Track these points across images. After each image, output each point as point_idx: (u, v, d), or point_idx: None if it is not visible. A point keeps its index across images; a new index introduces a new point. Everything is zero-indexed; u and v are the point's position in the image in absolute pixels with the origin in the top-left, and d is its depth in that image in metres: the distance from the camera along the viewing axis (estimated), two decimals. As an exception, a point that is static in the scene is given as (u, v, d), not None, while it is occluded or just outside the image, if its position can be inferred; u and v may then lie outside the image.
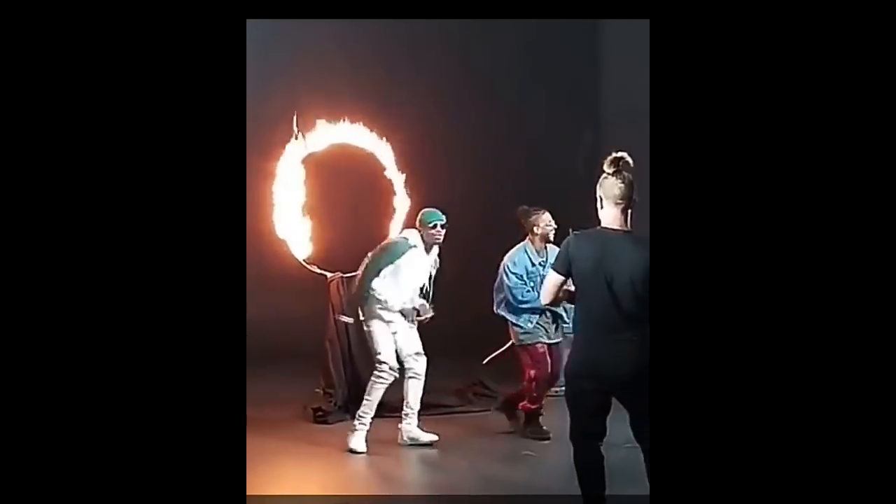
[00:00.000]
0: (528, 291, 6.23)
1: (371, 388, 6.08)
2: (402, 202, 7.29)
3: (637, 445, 3.87)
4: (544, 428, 6.36)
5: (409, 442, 6.17)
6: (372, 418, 6.08)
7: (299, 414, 7.08)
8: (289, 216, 7.29)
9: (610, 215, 3.80)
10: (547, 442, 6.24)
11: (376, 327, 6.09)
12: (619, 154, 3.78)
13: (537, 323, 6.30)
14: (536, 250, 6.34)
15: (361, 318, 6.18)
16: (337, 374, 7.12)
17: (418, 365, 6.14)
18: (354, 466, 5.88)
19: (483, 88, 10.29)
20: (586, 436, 3.92)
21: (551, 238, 6.31)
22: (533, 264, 6.32)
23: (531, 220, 6.33)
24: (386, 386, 6.06)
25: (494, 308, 6.40)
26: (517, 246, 6.39)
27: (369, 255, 6.17)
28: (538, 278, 6.15)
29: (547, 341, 6.35)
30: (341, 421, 6.86)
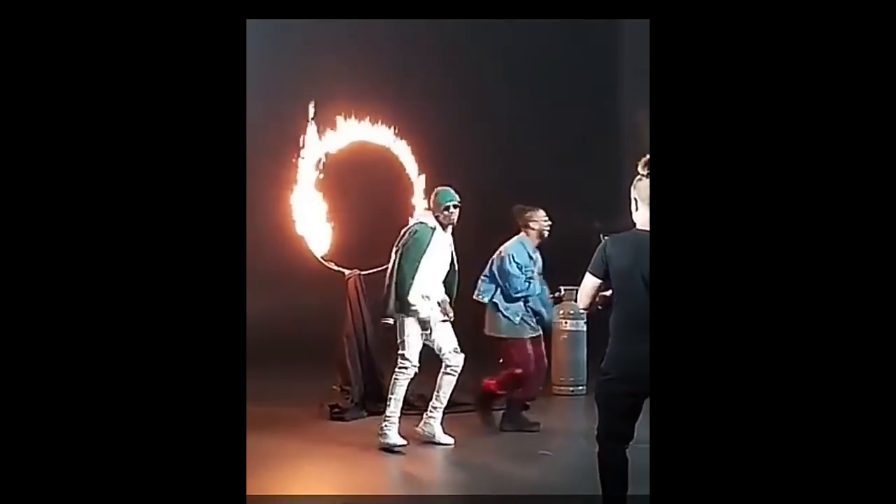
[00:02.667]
0: (524, 282, 6.44)
1: (395, 385, 6.03)
2: (419, 199, 7.31)
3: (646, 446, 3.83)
4: (530, 420, 6.65)
5: (426, 437, 6.18)
6: (399, 415, 6.07)
7: (316, 411, 7.11)
8: (307, 214, 7.34)
9: (645, 217, 3.74)
10: (536, 432, 6.55)
11: (410, 323, 6.00)
12: None
13: (522, 317, 6.49)
14: (532, 246, 6.55)
15: (397, 314, 6.02)
16: (354, 371, 7.15)
17: (456, 360, 6.10)
18: (372, 464, 5.88)
19: (500, 86, 10.35)
20: (614, 438, 3.89)
21: (546, 235, 6.54)
22: (530, 258, 6.53)
23: (527, 216, 6.54)
24: (409, 381, 6.04)
25: (477, 294, 6.52)
26: (513, 239, 6.58)
27: (397, 249, 6.05)
28: (531, 272, 6.48)
29: (530, 336, 6.55)
30: (358, 418, 6.94)
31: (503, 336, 6.52)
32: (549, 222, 6.53)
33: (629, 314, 3.75)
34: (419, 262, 5.97)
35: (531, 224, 6.52)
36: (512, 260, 6.44)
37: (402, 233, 6.14)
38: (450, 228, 6.14)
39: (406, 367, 6.00)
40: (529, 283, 6.47)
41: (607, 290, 3.86)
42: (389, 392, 6.07)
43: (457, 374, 6.12)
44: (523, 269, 6.45)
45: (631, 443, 3.89)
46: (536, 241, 6.56)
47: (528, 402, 6.74)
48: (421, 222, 6.14)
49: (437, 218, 6.09)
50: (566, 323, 7.89)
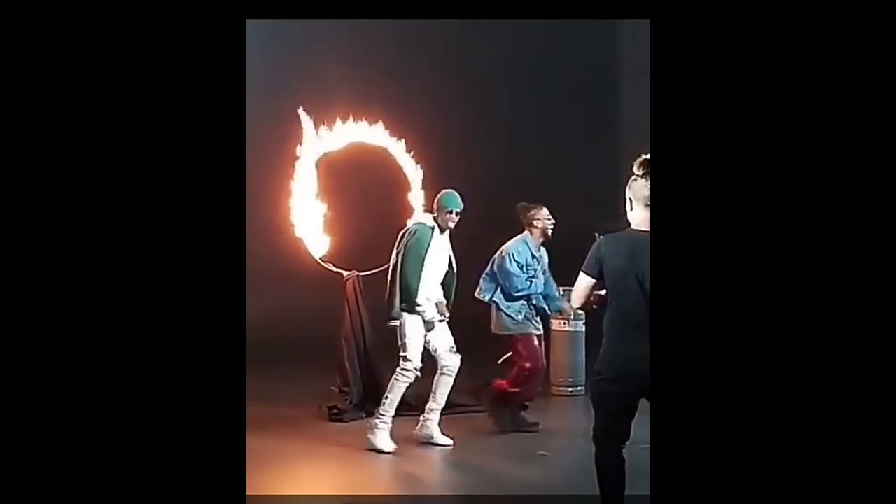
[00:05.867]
0: (525, 282, 6.48)
1: (393, 386, 6.03)
2: (417, 200, 7.32)
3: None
4: (529, 420, 6.65)
5: (424, 438, 6.18)
6: (393, 416, 6.06)
7: (314, 412, 7.11)
8: (305, 215, 7.34)
9: (639, 217, 3.79)
10: (535, 433, 6.57)
11: (410, 324, 6.00)
12: (649, 156, 3.63)
13: (525, 315, 6.53)
14: (536, 245, 6.58)
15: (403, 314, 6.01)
16: (352, 372, 7.15)
17: (452, 361, 6.10)
18: (370, 465, 5.88)
19: (499, 86, 10.39)
20: (610, 438, 3.91)
21: (549, 233, 6.58)
22: (533, 257, 6.57)
23: (531, 214, 6.58)
24: (409, 385, 6.04)
25: (479, 293, 6.57)
26: (516, 238, 6.61)
27: (398, 251, 6.03)
28: (533, 271, 6.53)
29: (536, 332, 6.60)
30: (357, 419, 6.92)
31: (511, 332, 6.54)
32: (552, 220, 6.56)
33: (623, 314, 3.76)
34: (423, 262, 5.98)
35: (534, 222, 6.55)
36: (512, 259, 6.47)
37: (401, 234, 6.14)
38: (447, 232, 6.14)
39: (408, 370, 5.98)
40: (531, 281, 6.50)
41: (601, 289, 3.87)
42: (387, 392, 6.06)
43: (454, 375, 6.12)
44: (525, 268, 6.48)
45: (627, 443, 3.90)
46: (540, 240, 6.59)
47: (527, 403, 6.76)
48: (420, 223, 6.16)
49: (435, 219, 6.10)
50: (565, 323, 7.90)
